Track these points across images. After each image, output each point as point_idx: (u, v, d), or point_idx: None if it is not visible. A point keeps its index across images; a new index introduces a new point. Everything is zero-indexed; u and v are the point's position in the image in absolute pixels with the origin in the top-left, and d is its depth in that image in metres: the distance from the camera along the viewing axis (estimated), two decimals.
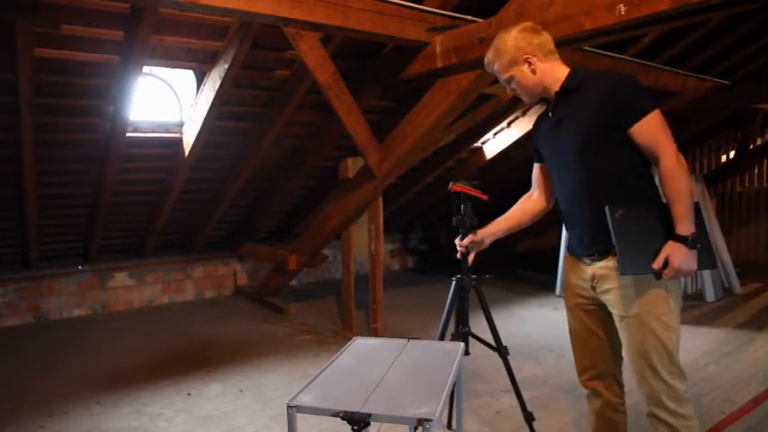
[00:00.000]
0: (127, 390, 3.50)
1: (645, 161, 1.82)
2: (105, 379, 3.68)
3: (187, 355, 4.17)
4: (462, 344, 2.02)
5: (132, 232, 5.45)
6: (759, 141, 7.56)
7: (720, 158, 7.98)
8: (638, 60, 4.86)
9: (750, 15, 4.55)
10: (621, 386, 2.06)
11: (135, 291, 5.60)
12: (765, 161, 7.55)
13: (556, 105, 1.95)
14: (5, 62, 3.26)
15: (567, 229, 2.06)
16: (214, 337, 4.61)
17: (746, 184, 7.72)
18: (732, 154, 7.78)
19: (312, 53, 3.34)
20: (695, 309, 5.11)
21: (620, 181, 1.82)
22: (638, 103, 1.78)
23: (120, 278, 5.52)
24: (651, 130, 1.77)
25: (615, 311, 1.87)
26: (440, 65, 3.53)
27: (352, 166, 4.40)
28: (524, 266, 7.17)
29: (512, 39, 1.94)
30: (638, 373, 1.84)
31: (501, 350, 2.69)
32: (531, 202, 2.28)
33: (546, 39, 1.95)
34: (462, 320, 2.76)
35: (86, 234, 5.12)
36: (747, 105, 6.21)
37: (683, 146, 7.91)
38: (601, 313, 1.97)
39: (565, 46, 3.30)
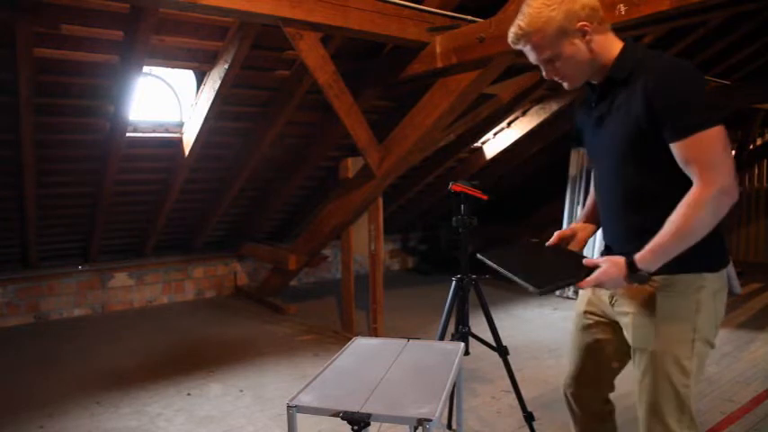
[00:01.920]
0: (127, 390, 3.50)
1: None
2: (105, 379, 3.68)
3: (187, 355, 4.17)
4: (462, 344, 2.02)
5: (132, 232, 5.45)
6: (759, 141, 7.56)
7: None
8: None
9: (750, 15, 4.55)
10: (608, 401, 1.84)
11: (135, 291, 5.60)
12: (765, 161, 7.56)
13: (601, 97, 1.57)
14: (5, 62, 3.26)
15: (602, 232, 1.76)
16: (214, 337, 4.61)
17: (746, 184, 7.72)
18: (732, 154, 7.78)
19: (312, 53, 3.34)
20: None
21: (663, 199, 1.47)
22: (685, 113, 1.38)
23: (120, 278, 5.52)
24: (696, 151, 1.38)
25: (629, 339, 1.61)
26: (440, 65, 3.53)
27: (352, 166, 4.40)
28: None
29: (556, 1, 1.45)
30: (643, 418, 1.59)
31: (501, 350, 2.69)
32: None
33: (596, 1, 1.49)
34: (462, 320, 2.76)
35: (86, 234, 5.12)
36: (747, 105, 6.22)
37: None
38: (607, 332, 1.72)
39: None
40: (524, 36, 1.50)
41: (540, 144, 6.40)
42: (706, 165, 1.37)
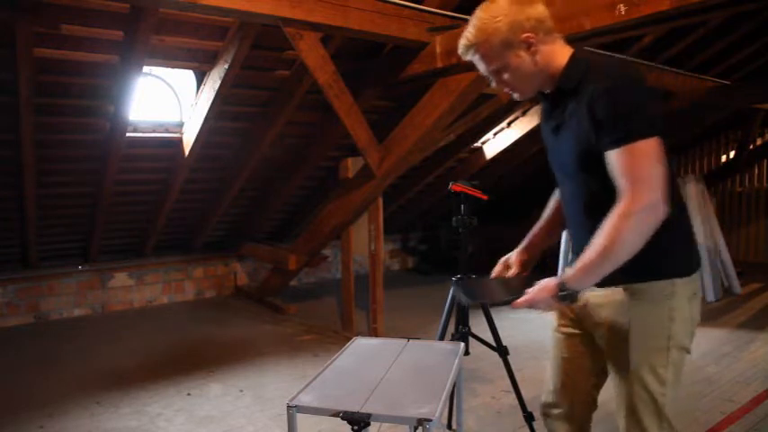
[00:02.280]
0: (127, 390, 3.50)
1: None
2: (105, 379, 3.68)
3: (187, 355, 4.17)
4: (462, 344, 2.02)
5: (132, 232, 5.45)
6: (759, 141, 7.56)
7: (720, 158, 7.98)
8: (638, 60, 4.86)
9: (750, 15, 4.55)
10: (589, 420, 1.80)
11: (135, 291, 5.60)
12: (765, 161, 7.56)
13: (553, 106, 1.56)
14: (5, 62, 3.26)
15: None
16: (214, 337, 4.61)
17: (746, 184, 7.72)
18: (732, 154, 7.78)
19: (312, 53, 3.34)
20: None
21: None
22: (620, 123, 1.35)
23: (120, 278, 5.52)
24: (626, 163, 1.35)
25: (605, 351, 1.60)
26: (440, 65, 3.53)
27: (352, 166, 4.40)
28: None
29: (503, 12, 1.45)
30: (623, 428, 1.57)
31: (501, 350, 2.69)
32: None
33: (544, 11, 1.49)
34: (462, 320, 2.76)
35: (86, 234, 5.12)
36: (747, 105, 6.22)
37: (684, 146, 7.94)
38: (584, 345, 1.69)
39: None
40: (471, 47, 1.51)
41: (540, 144, 6.35)
42: (634, 178, 1.34)
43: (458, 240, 2.77)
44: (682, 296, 1.51)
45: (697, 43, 5.12)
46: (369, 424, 1.46)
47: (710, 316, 4.91)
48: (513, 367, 2.69)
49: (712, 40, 5.13)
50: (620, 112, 1.36)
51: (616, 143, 1.36)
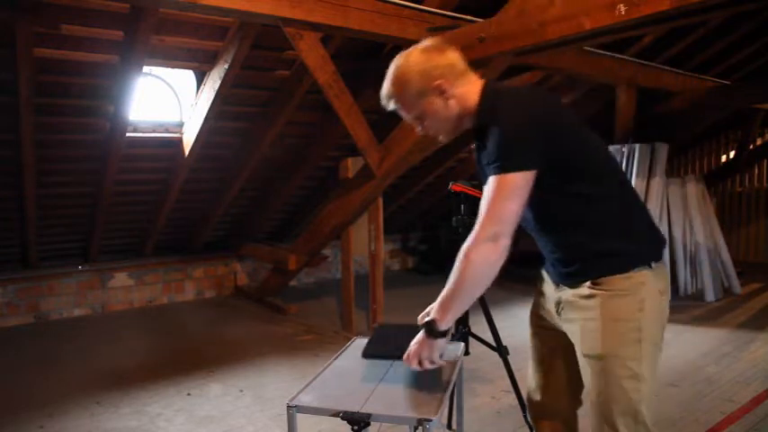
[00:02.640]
0: (127, 390, 3.50)
1: (576, 183, 1.51)
2: (105, 379, 3.68)
3: (187, 355, 4.17)
4: (462, 344, 2.02)
5: (132, 232, 5.45)
6: (759, 141, 7.56)
7: (720, 158, 7.98)
8: (638, 60, 4.86)
9: (750, 15, 4.56)
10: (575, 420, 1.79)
11: (135, 291, 5.60)
12: (765, 161, 7.55)
13: (479, 143, 1.57)
14: (5, 62, 3.26)
15: None
16: (214, 337, 4.61)
17: (746, 184, 7.72)
18: (732, 154, 7.78)
19: (312, 53, 3.35)
20: (695, 309, 5.11)
21: (569, 221, 1.55)
22: (493, 157, 1.43)
23: (120, 278, 5.52)
24: (486, 195, 1.44)
25: (577, 348, 1.59)
26: None
27: (352, 166, 4.40)
28: (524, 266, 7.15)
29: (414, 63, 1.53)
30: (595, 427, 1.56)
31: (501, 350, 2.69)
32: None
33: (454, 57, 1.55)
34: (462, 320, 2.76)
35: (86, 234, 5.12)
36: (747, 105, 6.22)
37: (684, 146, 7.94)
38: (560, 343, 1.69)
39: (565, 46, 3.32)
40: (389, 98, 1.58)
41: None
42: (484, 210, 1.43)
43: (458, 240, 2.77)
44: (652, 288, 1.52)
45: (697, 43, 5.13)
46: (369, 424, 1.46)
47: (710, 316, 4.91)
48: (513, 367, 2.69)
49: (712, 40, 5.14)
50: (497, 144, 1.42)
51: (491, 170, 1.44)
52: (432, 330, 1.51)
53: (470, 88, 1.55)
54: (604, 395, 1.52)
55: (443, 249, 7.18)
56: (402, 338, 1.66)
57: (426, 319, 1.54)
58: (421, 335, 1.54)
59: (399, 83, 1.54)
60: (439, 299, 1.51)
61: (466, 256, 1.43)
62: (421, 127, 1.62)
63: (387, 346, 1.68)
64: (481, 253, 1.42)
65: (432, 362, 1.54)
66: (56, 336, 4.71)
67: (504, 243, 1.43)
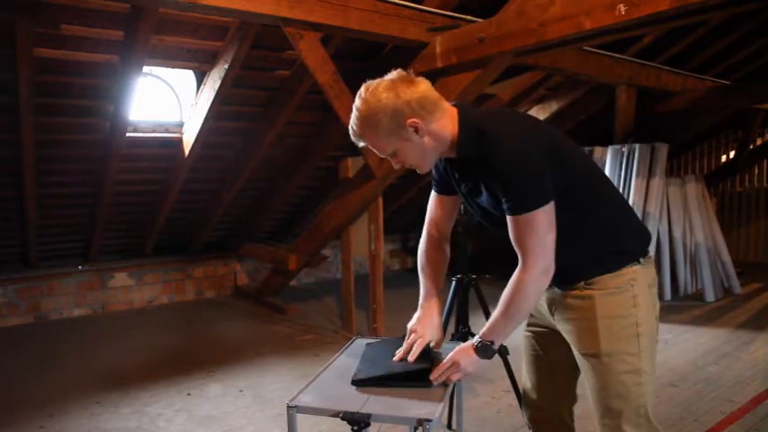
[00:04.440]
0: (127, 390, 3.50)
1: (578, 198, 1.52)
2: (105, 379, 3.68)
3: (187, 355, 4.17)
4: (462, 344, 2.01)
5: (132, 232, 5.45)
6: (759, 141, 7.56)
7: (720, 158, 7.98)
8: (638, 60, 4.87)
9: (750, 15, 4.56)
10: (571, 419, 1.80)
11: (135, 291, 5.60)
12: (765, 161, 7.56)
13: (461, 173, 1.57)
14: (5, 62, 3.26)
15: None
16: (214, 337, 4.61)
17: (746, 184, 7.72)
18: (732, 154, 7.78)
19: (312, 53, 3.34)
20: (695, 309, 5.10)
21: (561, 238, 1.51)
22: (512, 193, 1.42)
23: (120, 278, 5.52)
24: (520, 233, 1.45)
25: (574, 347, 1.60)
26: (440, 65, 3.53)
27: (352, 166, 4.40)
28: None
29: (383, 100, 1.42)
30: (600, 425, 1.56)
31: (501, 350, 2.69)
32: (442, 253, 1.80)
33: (425, 87, 1.47)
34: (462, 320, 2.76)
35: (86, 234, 5.12)
36: (747, 105, 6.22)
37: (684, 146, 7.94)
38: (553, 341, 1.69)
39: (565, 46, 3.32)
40: (359, 137, 1.50)
41: None
42: (527, 249, 1.45)
43: (458, 240, 2.77)
44: (642, 283, 1.55)
45: (697, 43, 5.13)
46: (369, 424, 1.45)
47: (710, 316, 4.91)
48: (513, 367, 2.69)
49: (712, 40, 5.14)
50: (509, 188, 1.42)
51: (510, 211, 1.45)
52: (487, 351, 1.54)
53: (445, 121, 1.48)
54: (606, 392, 1.53)
55: None
56: (389, 358, 1.67)
57: (479, 340, 1.55)
58: (468, 353, 1.55)
59: (368, 124, 1.44)
60: (491, 322, 1.54)
61: (524, 287, 1.47)
62: (396, 162, 1.54)
63: (376, 367, 1.66)
64: (537, 285, 1.48)
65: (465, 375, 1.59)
66: (56, 336, 4.71)
67: (552, 271, 1.48)
